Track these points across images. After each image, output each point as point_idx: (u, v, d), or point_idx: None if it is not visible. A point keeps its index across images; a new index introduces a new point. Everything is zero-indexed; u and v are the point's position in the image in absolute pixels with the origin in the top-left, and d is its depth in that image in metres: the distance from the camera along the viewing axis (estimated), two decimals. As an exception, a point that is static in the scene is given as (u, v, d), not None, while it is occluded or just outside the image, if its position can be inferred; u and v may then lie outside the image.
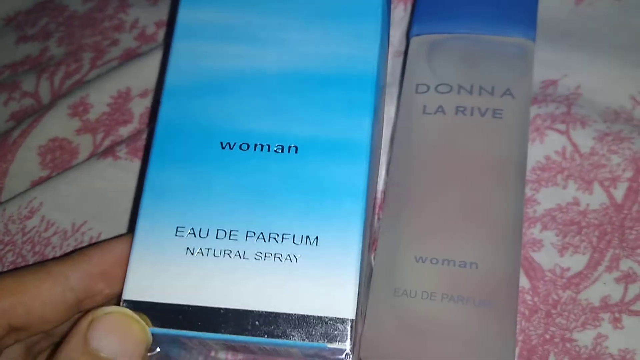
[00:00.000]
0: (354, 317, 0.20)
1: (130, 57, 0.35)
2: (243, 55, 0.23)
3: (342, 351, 0.20)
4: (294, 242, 0.21)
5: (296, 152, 0.22)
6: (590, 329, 0.25)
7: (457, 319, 0.23)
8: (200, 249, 0.21)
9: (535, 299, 0.26)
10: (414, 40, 0.28)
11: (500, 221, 0.24)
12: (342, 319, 0.20)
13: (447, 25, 0.28)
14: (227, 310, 0.20)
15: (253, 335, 0.20)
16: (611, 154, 0.28)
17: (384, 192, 0.27)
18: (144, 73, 0.33)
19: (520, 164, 0.25)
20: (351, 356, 0.20)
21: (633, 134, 0.28)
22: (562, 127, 0.29)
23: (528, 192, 0.28)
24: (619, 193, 0.27)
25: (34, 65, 0.37)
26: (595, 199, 0.27)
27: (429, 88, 0.27)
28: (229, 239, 0.21)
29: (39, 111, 0.34)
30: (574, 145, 0.28)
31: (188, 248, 0.21)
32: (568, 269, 0.27)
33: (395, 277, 0.23)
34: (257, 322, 0.20)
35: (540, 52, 0.31)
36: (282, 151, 0.22)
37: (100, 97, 0.33)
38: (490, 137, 0.25)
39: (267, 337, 0.20)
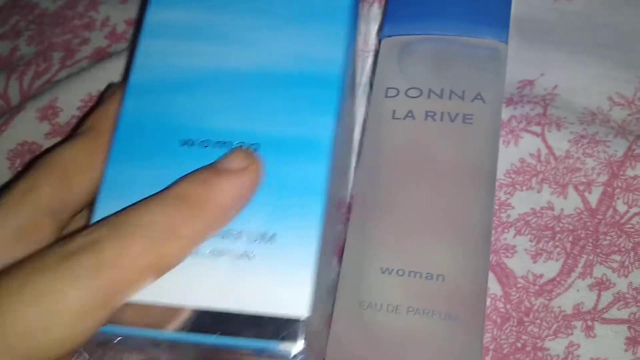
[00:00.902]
0: (308, 316, 0.20)
1: (100, 56, 0.34)
2: (209, 53, 0.23)
3: (293, 350, 0.20)
4: (250, 239, 0.21)
5: (257, 150, 0.22)
6: (563, 337, 0.25)
7: (422, 333, 0.22)
8: None
9: (508, 306, 0.26)
10: (385, 42, 0.28)
11: (469, 231, 0.24)
12: (295, 318, 0.20)
13: (418, 26, 0.27)
14: (178, 308, 0.20)
15: (203, 334, 0.20)
16: (586, 157, 0.27)
17: (351, 200, 0.26)
18: (113, 76, 0.33)
19: (490, 171, 0.25)
20: (304, 356, 0.20)
21: (609, 136, 0.28)
22: (537, 129, 0.28)
23: (502, 196, 0.28)
24: (593, 197, 0.27)
25: (4, 65, 0.36)
26: (570, 203, 0.27)
27: (398, 92, 0.26)
28: None
29: (8, 112, 0.34)
30: (549, 148, 0.28)
31: None
32: (541, 276, 0.26)
33: (361, 289, 0.23)
34: (208, 321, 0.20)
35: (517, 51, 0.31)
36: None
37: (70, 101, 0.33)
38: (460, 143, 0.25)
39: (218, 335, 0.20)
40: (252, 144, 0.22)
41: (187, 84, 0.23)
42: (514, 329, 0.25)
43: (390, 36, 0.28)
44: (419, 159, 0.25)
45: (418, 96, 0.26)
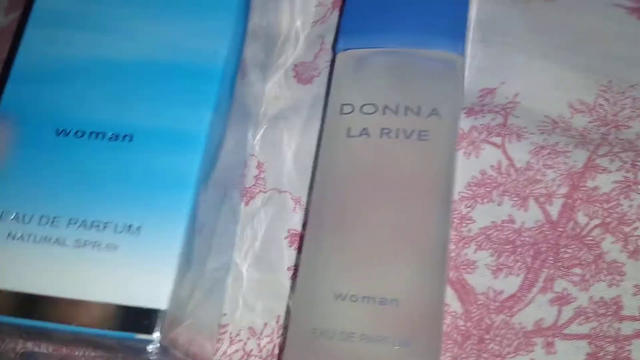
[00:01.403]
0: (167, 309, 0.20)
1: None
2: (88, 43, 0.24)
3: (150, 342, 0.20)
4: (115, 230, 0.21)
5: (131, 140, 0.22)
6: (523, 354, 0.25)
7: None
8: (22, 234, 0.21)
9: (468, 324, 0.26)
10: (340, 56, 0.27)
11: (424, 252, 0.23)
12: (154, 309, 0.20)
13: (374, 39, 0.27)
14: (40, 297, 0.20)
15: (62, 323, 0.20)
16: (547, 168, 0.27)
17: (305, 222, 0.26)
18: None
19: (446, 188, 0.24)
20: (165, 349, 0.20)
21: (569, 146, 0.27)
22: (497, 140, 0.28)
23: (463, 209, 0.27)
24: (554, 210, 0.27)
25: None
26: (531, 216, 0.27)
27: (354, 108, 0.26)
28: (51, 225, 0.21)
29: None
30: (510, 159, 0.27)
31: (10, 233, 0.21)
32: (502, 292, 0.26)
33: (314, 315, 0.23)
34: (68, 310, 0.20)
35: (477, 58, 0.30)
36: (117, 140, 0.22)
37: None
38: (416, 161, 0.24)
39: (77, 325, 0.20)
40: (126, 135, 0.22)
41: (65, 74, 0.23)
42: (474, 347, 0.25)
43: (345, 50, 0.27)
44: (374, 179, 0.24)
45: (373, 112, 0.25)
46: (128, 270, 0.20)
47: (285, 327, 0.23)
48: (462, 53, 0.26)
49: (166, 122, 0.22)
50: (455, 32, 0.26)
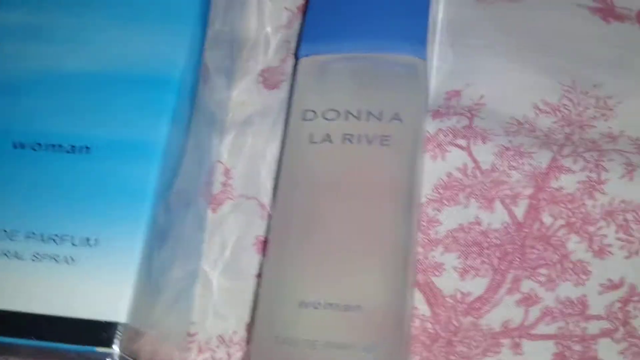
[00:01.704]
0: (126, 321, 0.20)
1: None
2: (43, 55, 0.23)
3: (110, 355, 0.20)
4: (73, 243, 0.21)
5: (88, 152, 0.22)
6: (491, 355, 0.25)
7: None
8: None
9: (436, 326, 0.26)
10: (302, 62, 0.27)
11: (387, 257, 0.23)
12: (113, 322, 0.20)
13: (335, 44, 0.27)
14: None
15: (22, 337, 0.20)
16: (511, 170, 0.27)
17: (268, 230, 0.26)
18: None
19: (409, 193, 0.24)
20: None
21: (533, 147, 0.27)
22: (463, 142, 0.28)
23: (430, 212, 0.27)
24: (519, 211, 0.27)
25: None
26: (497, 217, 0.27)
27: (316, 114, 0.25)
28: (9, 239, 0.21)
29: None
30: (475, 161, 0.28)
31: None
32: (469, 294, 0.26)
33: (278, 324, 0.23)
34: (27, 324, 0.20)
35: (443, 60, 0.30)
36: (74, 151, 0.22)
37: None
38: (378, 166, 0.24)
39: (36, 339, 0.20)
40: (83, 147, 0.22)
41: (21, 86, 0.23)
42: (442, 349, 0.25)
43: (306, 56, 0.27)
44: (337, 185, 0.24)
45: (335, 118, 0.25)
46: (87, 283, 0.20)
47: (249, 336, 0.23)
48: (424, 57, 0.26)
49: (123, 132, 0.22)
50: (416, 36, 0.26)
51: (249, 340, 0.25)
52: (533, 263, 0.26)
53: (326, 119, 0.25)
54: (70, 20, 0.24)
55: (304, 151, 0.25)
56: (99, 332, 0.20)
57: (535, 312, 0.25)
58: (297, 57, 0.27)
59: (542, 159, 0.27)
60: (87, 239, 0.21)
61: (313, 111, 0.26)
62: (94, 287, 0.20)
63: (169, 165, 0.22)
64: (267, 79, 0.31)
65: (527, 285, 0.26)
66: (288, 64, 0.31)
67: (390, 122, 0.25)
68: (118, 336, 0.20)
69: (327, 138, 0.25)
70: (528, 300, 0.26)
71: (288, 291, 0.23)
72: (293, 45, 0.31)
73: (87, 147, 0.22)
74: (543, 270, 0.26)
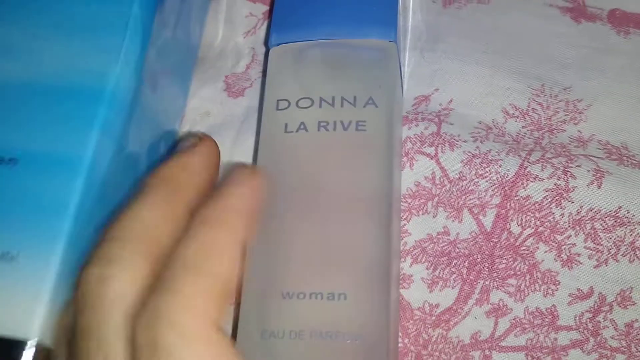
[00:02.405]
0: (37, 338, 0.19)
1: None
2: None
3: None
4: None
5: (15, 164, 0.21)
6: (460, 369, 0.25)
7: (327, 357, 0.22)
8: None
9: (406, 340, 0.25)
10: (273, 51, 0.26)
11: (368, 245, 0.23)
12: (21, 340, 0.19)
13: (305, 31, 0.26)
14: None
15: None
16: (479, 178, 0.27)
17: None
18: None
19: (389, 179, 0.24)
20: None
21: (501, 154, 0.27)
22: (431, 150, 0.27)
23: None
24: (488, 220, 0.26)
25: None
26: (465, 227, 0.26)
27: (289, 103, 0.25)
28: None
29: None
30: (443, 170, 0.27)
31: None
32: (437, 305, 0.26)
33: (262, 317, 0.22)
34: None
35: (412, 65, 0.30)
36: (0, 163, 0.21)
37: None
38: (355, 153, 0.24)
39: None
40: (11, 159, 0.21)
41: None
42: (411, 364, 0.25)
43: (277, 44, 0.26)
44: (314, 175, 0.24)
45: (309, 106, 0.25)
46: (3, 299, 0.20)
47: (234, 330, 0.23)
48: (395, 40, 0.26)
49: (50, 145, 0.21)
50: (386, 20, 0.26)
51: (235, 336, 0.24)
52: (502, 273, 0.26)
53: (300, 107, 0.25)
54: (5, 30, 0.23)
55: (280, 141, 0.25)
56: (9, 349, 0.19)
57: (504, 323, 0.25)
58: (267, 46, 0.27)
59: (510, 166, 0.26)
60: (5, 254, 0.20)
61: (286, 100, 0.25)
62: (9, 303, 0.20)
63: (97, 179, 0.21)
64: (231, 86, 0.30)
65: (496, 296, 0.25)
66: (254, 70, 0.31)
67: (365, 107, 0.24)
68: (26, 354, 0.19)
69: (302, 127, 0.24)
70: (497, 311, 0.25)
71: (271, 283, 0.23)
72: (258, 51, 0.31)
73: (14, 159, 0.21)
74: (512, 281, 0.25)
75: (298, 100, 0.25)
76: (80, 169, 0.21)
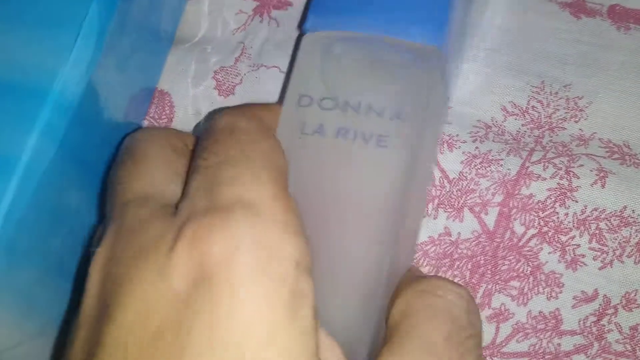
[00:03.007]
0: None
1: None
2: None
3: None
4: None
5: None
6: (463, 376, 0.24)
7: None
8: None
9: (406, 346, 0.24)
10: (307, 38, 0.24)
11: (368, 275, 0.21)
12: None
13: (347, 21, 0.23)
14: None
15: None
16: (480, 177, 0.26)
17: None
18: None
19: (397, 206, 0.21)
20: None
21: (502, 154, 0.26)
22: (430, 150, 0.27)
23: (397, 224, 0.26)
24: (490, 219, 0.26)
25: None
26: (467, 226, 0.26)
27: (312, 101, 0.22)
28: None
29: None
30: (442, 171, 0.26)
31: None
32: (439, 310, 0.25)
33: None
34: None
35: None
36: None
37: None
38: (370, 171, 0.22)
39: None
40: None
41: None
42: (412, 371, 0.24)
43: (312, 31, 0.24)
44: (324, 186, 0.22)
45: (332, 108, 0.22)
46: None
47: None
48: (442, 46, 0.23)
49: None
50: (436, 21, 0.23)
51: None
52: (505, 275, 0.25)
53: (322, 107, 0.22)
54: None
55: (294, 143, 0.22)
56: None
57: (506, 328, 0.24)
58: (302, 31, 0.24)
59: (511, 165, 0.26)
60: None
61: (309, 97, 0.23)
62: None
63: (33, 181, 0.20)
64: (221, 83, 0.29)
65: (498, 300, 0.25)
66: (243, 64, 0.29)
67: (392, 121, 0.22)
68: None
69: (320, 130, 0.22)
70: (499, 316, 0.24)
71: None
72: (247, 45, 0.29)
73: None
74: (515, 283, 0.25)
75: (322, 100, 0.22)
76: (15, 170, 0.20)
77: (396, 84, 0.22)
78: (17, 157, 0.20)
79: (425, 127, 0.22)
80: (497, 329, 0.24)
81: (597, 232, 0.25)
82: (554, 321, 0.24)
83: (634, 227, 0.24)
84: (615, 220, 0.25)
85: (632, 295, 0.24)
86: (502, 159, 0.26)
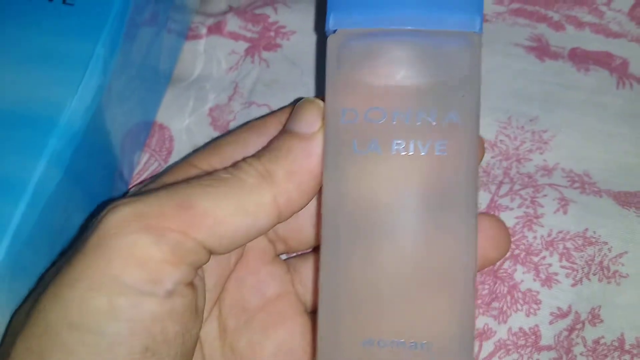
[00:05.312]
0: None
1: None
2: None
3: None
4: None
5: None
6: (451, 390, 0.26)
7: None
8: None
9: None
10: (333, 39, 0.21)
11: (456, 286, 0.21)
12: None
13: (375, 14, 0.21)
14: None
15: None
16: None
17: (318, 260, 0.22)
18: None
19: (472, 208, 0.21)
20: None
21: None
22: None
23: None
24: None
25: None
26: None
27: (357, 115, 0.21)
28: None
29: None
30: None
31: None
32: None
33: None
34: None
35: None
36: None
37: None
38: (434, 180, 0.21)
39: None
40: None
41: None
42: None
43: (338, 29, 0.21)
44: (389, 205, 0.21)
45: (381, 120, 0.21)
46: None
47: None
48: (479, 31, 0.21)
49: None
50: (474, 6, 0.21)
51: None
52: (486, 299, 0.27)
53: (370, 121, 0.21)
54: None
55: (347, 163, 0.21)
56: None
57: (489, 346, 0.26)
58: (325, 34, 0.22)
59: (481, 200, 0.28)
60: None
61: (354, 111, 0.21)
62: None
63: (39, 204, 0.22)
64: (216, 119, 0.31)
65: (481, 322, 0.27)
66: (236, 102, 0.31)
67: (446, 124, 0.20)
68: None
69: (374, 146, 0.21)
70: (482, 335, 0.27)
71: (349, 329, 0.21)
72: (240, 85, 0.31)
73: None
74: (495, 304, 0.27)
75: (367, 112, 0.21)
76: (24, 193, 0.21)
77: (444, 81, 0.21)
78: (26, 182, 0.22)
79: (477, 121, 0.21)
80: (480, 347, 0.26)
81: (564, 251, 0.27)
82: (533, 337, 0.26)
83: (596, 247, 0.27)
84: (579, 240, 0.27)
85: (597, 311, 0.27)
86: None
